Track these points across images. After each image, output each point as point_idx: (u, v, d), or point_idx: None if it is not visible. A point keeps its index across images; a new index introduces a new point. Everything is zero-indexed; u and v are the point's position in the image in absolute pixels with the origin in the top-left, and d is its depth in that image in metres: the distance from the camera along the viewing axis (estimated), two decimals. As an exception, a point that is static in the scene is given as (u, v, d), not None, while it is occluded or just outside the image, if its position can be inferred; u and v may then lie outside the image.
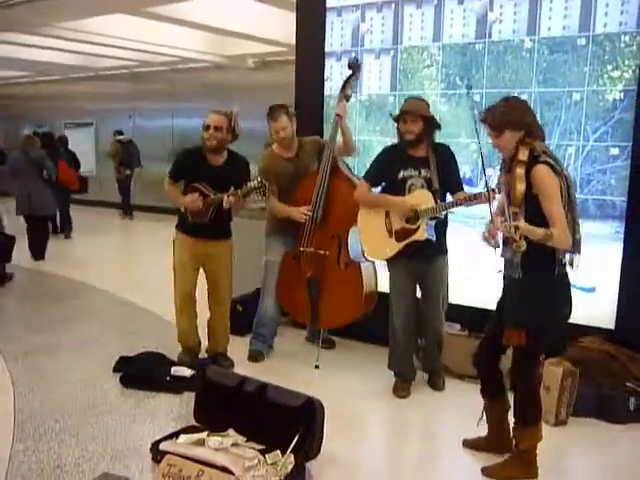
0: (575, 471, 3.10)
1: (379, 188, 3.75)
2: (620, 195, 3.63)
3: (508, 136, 2.62)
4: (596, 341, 3.63)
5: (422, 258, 3.61)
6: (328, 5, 4.60)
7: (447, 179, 3.54)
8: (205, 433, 2.93)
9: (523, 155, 2.53)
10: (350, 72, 4.08)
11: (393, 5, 4.32)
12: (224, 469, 2.63)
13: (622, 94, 3.58)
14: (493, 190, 2.84)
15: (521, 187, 2.50)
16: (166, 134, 12.29)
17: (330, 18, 4.62)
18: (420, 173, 3.55)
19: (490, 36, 3.97)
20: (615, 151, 3.63)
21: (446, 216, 3.62)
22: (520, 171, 2.51)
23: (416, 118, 3.49)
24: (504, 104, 2.69)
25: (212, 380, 3.11)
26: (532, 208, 2.57)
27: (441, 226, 3.60)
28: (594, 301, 3.74)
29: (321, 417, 2.80)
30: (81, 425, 3.22)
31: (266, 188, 3.64)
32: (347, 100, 4.08)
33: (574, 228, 2.66)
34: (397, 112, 3.65)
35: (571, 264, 2.73)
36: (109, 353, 4.12)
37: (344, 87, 4.08)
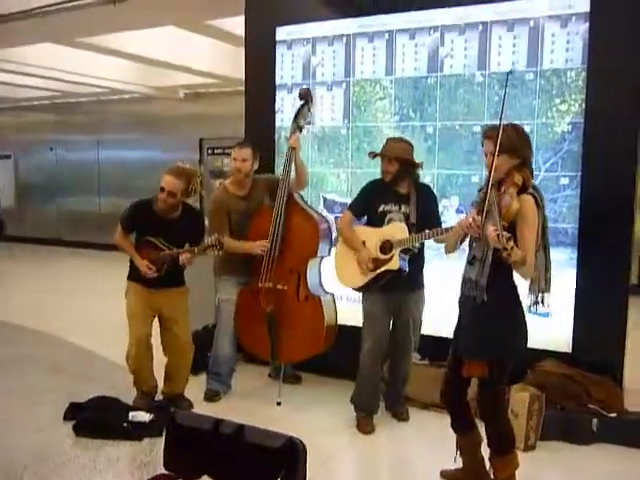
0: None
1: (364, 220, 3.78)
2: (572, 222, 3.78)
3: (504, 160, 2.62)
4: (555, 365, 3.73)
5: (397, 289, 3.61)
6: (278, 38, 4.62)
7: (425, 217, 3.59)
8: (178, 481, 2.78)
9: (519, 180, 2.56)
10: (302, 102, 4.07)
11: (344, 38, 4.38)
12: (205, 519, 2.50)
13: (570, 126, 3.75)
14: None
15: (516, 206, 2.52)
16: (92, 166, 11.90)
17: (280, 51, 4.63)
18: (400, 208, 3.61)
19: (442, 70, 4.08)
20: (565, 180, 3.79)
21: (422, 251, 3.66)
22: (514, 192, 2.53)
23: (392, 160, 3.56)
24: (513, 129, 2.69)
25: (182, 424, 2.96)
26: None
27: (418, 260, 3.65)
28: (551, 326, 3.85)
29: (304, 457, 2.70)
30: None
31: (222, 246, 3.58)
32: (300, 131, 4.06)
33: (546, 266, 2.71)
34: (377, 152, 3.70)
35: (542, 302, 2.76)
36: (57, 400, 3.85)
37: (296, 117, 4.06)
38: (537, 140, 3.83)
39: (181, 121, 10.63)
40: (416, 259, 3.61)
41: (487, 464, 2.89)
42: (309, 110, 4.09)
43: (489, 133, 2.68)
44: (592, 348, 3.73)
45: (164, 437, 3.00)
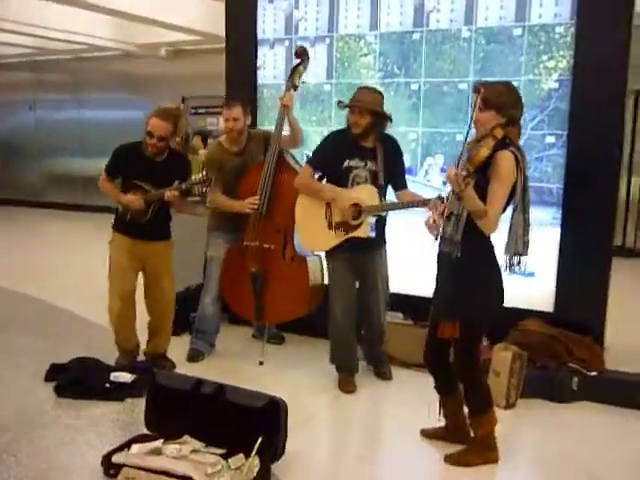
0: (529, 451, 3.16)
1: (318, 176, 3.64)
2: (557, 182, 3.74)
3: (491, 116, 2.57)
4: (537, 324, 3.74)
5: (361, 250, 3.56)
6: (259, -9, 4.48)
7: (393, 173, 3.50)
8: (160, 441, 2.77)
9: (499, 133, 2.51)
10: (298, 61, 3.94)
11: (328, -8, 4.25)
12: (186, 478, 2.50)
13: (557, 84, 3.69)
14: (442, 199, 2.76)
15: (485, 152, 2.47)
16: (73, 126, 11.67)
17: (262, 4, 4.48)
18: (366, 165, 3.48)
19: (428, 25, 3.98)
20: (551, 139, 3.74)
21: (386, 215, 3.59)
22: (490, 142, 2.48)
23: (363, 111, 3.40)
24: (505, 87, 2.66)
25: (163, 384, 2.94)
26: (480, 188, 2.53)
27: (381, 219, 3.56)
28: (534, 286, 3.85)
29: (285, 417, 2.70)
30: (18, 441, 2.95)
31: (210, 181, 3.50)
32: (294, 89, 3.94)
33: (524, 229, 2.67)
34: (347, 101, 3.53)
35: (519, 264, 2.72)
36: (38, 361, 3.81)
37: (291, 76, 3.94)
38: (524, 98, 3.73)
39: (163, 80, 10.38)
40: (379, 218, 3.52)
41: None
42: (305, 69, 3.96)
43: (478, 86, 2.63)
44: (574, 308, 3.74)
45: (145, 398, 3.00)
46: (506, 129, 2.55)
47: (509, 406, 3.42)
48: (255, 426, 2.66)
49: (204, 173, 3.52)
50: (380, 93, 3.53)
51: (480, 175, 2.52)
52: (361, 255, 3.58)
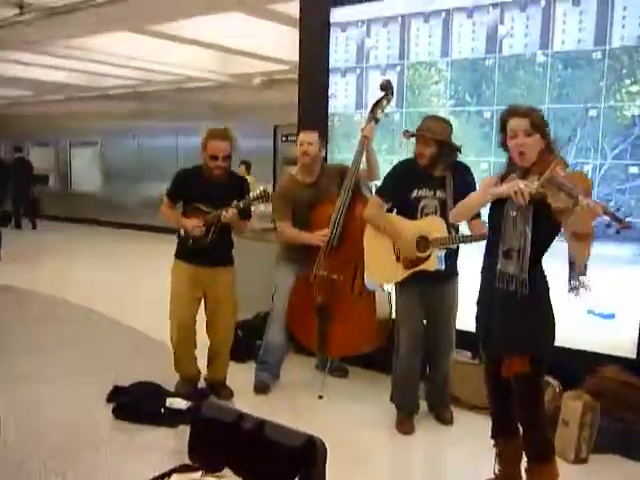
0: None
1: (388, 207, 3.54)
2: (640, 216, 3.43)
3: (536, 140, 2.44)
4: (616, 371, 3.41)
5: (431, 283, 3.40)
6: (332, 20, 4.46)
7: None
8: (199, 473, 2.73)
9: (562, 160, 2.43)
10: (383, 93, 3.85)
11: (399, 19, 4.17)
12: (217, 514, 2.44)
13: (641, 110, 3.40)
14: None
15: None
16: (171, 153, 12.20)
17: (334, 33, 4.47)
18: (435, 194, 3.35)
19: (501, 51, 3.81)
20: (635, 170, 3.44)
21: (457, 251, 3.42)
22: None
23: (429, 141, 3.29)
24: (536, 110, 2.52)
25: (206, 415, 2.91)
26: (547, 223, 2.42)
27: (452, 250, 3.40)
28: (614, 328, 3.53)
29: (323, 458, 2.58)
30: (67, 462, 3.02)
31: (269, 196, 3.52)
32: (376, 122, 3.85)
33: None
34: (414, 130, 3.43)
35: (584, 286, 2.55)
36: (101, 381, 3.90)
37: (374, 108, 3.86)
38: (604, 125, 3.51)
39: (256, 108, 10.67)
40: (450, 253, 3.37)
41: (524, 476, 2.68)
42: (388, 102, 3.88)
43: (524, 110, 2.48)
44: (659, 355, 3.39)
45: (189, 427, 2.98)
46: (562, 159, 2.45)
47: (579, 461, 3.12)
48: (292, 465, 2.56)
49: (261, 189, 3.52)
50: (448, 122, 3.41)
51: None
52: (431, 288, 3.43)
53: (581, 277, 2.52)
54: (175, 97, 12.14)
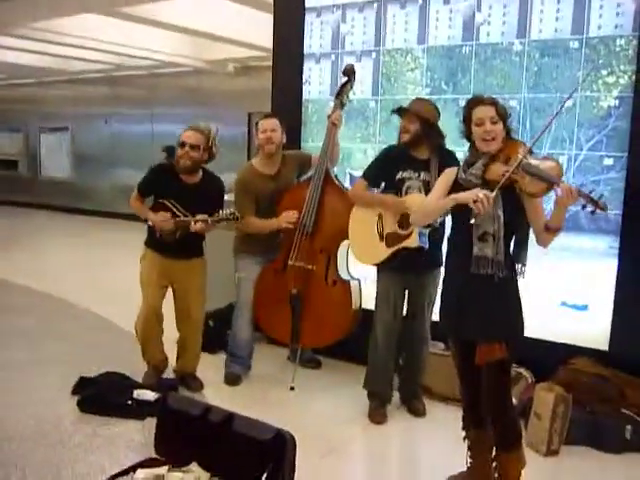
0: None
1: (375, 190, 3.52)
2: (615, 208, 3.41)
3: (501, 129, 2.48)
4: (588, 363, 3.41)
5: (413, 270, 3.38)
6: (307, 5, 4.37)
7: None
8: (165, 468, 2.66)
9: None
10: (346, 79, 3.82)
11: (375, 5, 4.09)
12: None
13: (617, 101, 3.38)
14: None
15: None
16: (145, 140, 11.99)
17: (309, 19, 4.38)
18: (419, 175, 3.33)
19: (478, 39, 3.75)
20: (609, 161, 3.43)
21: (443, 226, 3.35)
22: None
23: (413, 117, 3.28)
24: (498, 100, 2.56)
25: (173, 408, 2.83)
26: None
27: (436, 236, 3.35)
28: (587, 320, 3.53)
29: (292, 452, 2.53)
30: (29, 455, 2.92)
31: (238, 220, 3.45)
32: (342, 108, 3.82)
33: None
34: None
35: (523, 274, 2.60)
36: (67, 372, 3.80)
37: (339, 94, 3.82)
38: (580, 115, 3.48)
39: (230, 95, 10.51)
40: (434, 235, 3.32)
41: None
42: (352, 87, 3.84)
43: (492, 99, 2.53)
44: (631, 347, 3.38)
45: (156, 420, 2.90)
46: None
47: (550, 453, 3.11)
48: (261, 459, 2.50)
49: (231, 210, 3.46)
50: (435, 106, 3.41)
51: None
52: (413, 277, 3.42)
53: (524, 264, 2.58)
54: (149, 82, 11.91)
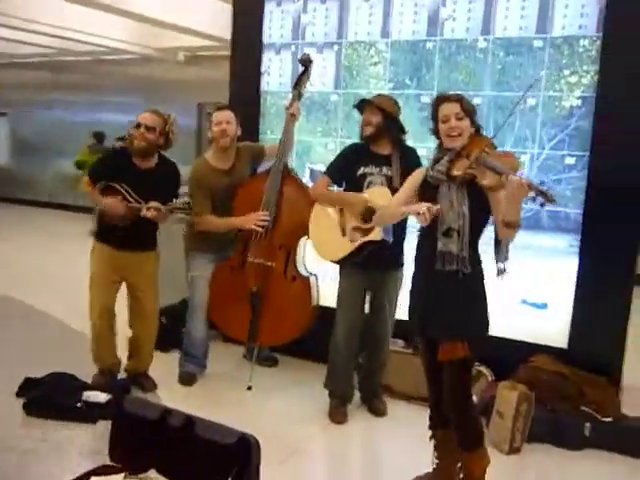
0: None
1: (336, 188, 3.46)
2: (576, 207, 3.45)
3: (467, 125, 2.48)
4: (548, 361, 3.43)
5: (376, 268, 3.32)
6: (267, -7, 4.26)
7: None
8: (122, 475, 2.52)
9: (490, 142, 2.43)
10: (303, 69, 3.72)
11: (339, -5, 4.01)
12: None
13: (580, 101, 3.40)
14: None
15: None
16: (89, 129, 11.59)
17: (269, 7, 4.26)
18: (381, 170, 3.28)
19: (442, 34, 3.72)
20: (571, 160, 3.45)
21: (405, 222, 3.30)
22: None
23: (375, 109, 3.24)
24: (465, 97, 2.55)
25: (129, 411, 2.69)
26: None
27: (399, 233, 3.30)
28: (547, 318, 3.56)
29: (257, 456, 2.43)
30: (-29, 464, 2.74)
31: (191, 211, 3.30)
32: (299, 99, 3.72)
33: None
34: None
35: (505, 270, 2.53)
36: (14, 373, 3.56)
37: (297, 85, 3.72)
38: (543, 115, 3.50)
39: (180, 85, 10.24)
40: (397, 232, 3.27)
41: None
42: (309, 77, 3.75)
43: (457, 96, 2.53)
44: (590, 345, 3.42)
45: (110, 424, 2.75)
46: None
47: (513, 451, 3.11)
48: (224, 465, 2.40)
49: (186, 200, 3.31)
50: (396, 102, 3.36)
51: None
52: (375, 274, 3.36)
53: (505, 262, 2.51)
54: (95, 69, 11.51)
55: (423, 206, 2.38)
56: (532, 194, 2.24)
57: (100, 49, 10.35)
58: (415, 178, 2.64)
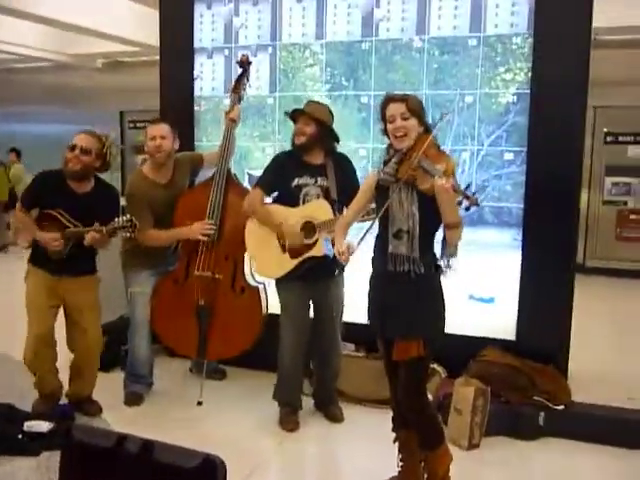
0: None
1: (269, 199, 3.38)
2: (516, 202, 3.52)
3: (414, 125, 2.46)
4: (498, 354, 3.48)
5: (316, 277, 3.25)
6: (196, -5, 4.14)
7: (345, 190, 3.18)
8: (75, 510, 2.36)
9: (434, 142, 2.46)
10: (241, 70, 3.64)
11: (270, -2, 3.95)
12: None
13: (515, 97, 3.48)
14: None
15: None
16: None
17: (199, 10, 4.14)
18: (316, 181, 3.22)
19: (377, 34, 3.72)
20: (510, 156, 3.52)
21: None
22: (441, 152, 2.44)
23: (309, 120, 3.17)
24: (413, 96, 2.55)
25: (80, 440, 2.53)
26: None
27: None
28: (494, 312, 3.62)
29: (223, 478, 2.33)
30: None
31: (135, 227, 3.13)
32: (239, 102, 3.63)
33: None
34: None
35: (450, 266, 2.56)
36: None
37: (236, 87, 3.63)
38: (480, 112, 3.55)
39: (99, 93, 9.90)
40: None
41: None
42: (248, 79, 3.66)
43: (402, 96, 2.52)
44: (537, 335, 3.50)
45: (60, 456, 2.58)
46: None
47: (472, 447, 3.13)
48: (188, 489, 2.29)
49: (129, 217, 3.15)
50: (330, 110, 3.31)
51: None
52: (315, 283, 3.28)
53: (451, 259, 2.53)
54: (4, 78, 10.94)
55: (344, 245, 2.52)
56: (459, 198, 2.28)
57: (9, 57, 9.87)
58: (367, 184, 2.64)
